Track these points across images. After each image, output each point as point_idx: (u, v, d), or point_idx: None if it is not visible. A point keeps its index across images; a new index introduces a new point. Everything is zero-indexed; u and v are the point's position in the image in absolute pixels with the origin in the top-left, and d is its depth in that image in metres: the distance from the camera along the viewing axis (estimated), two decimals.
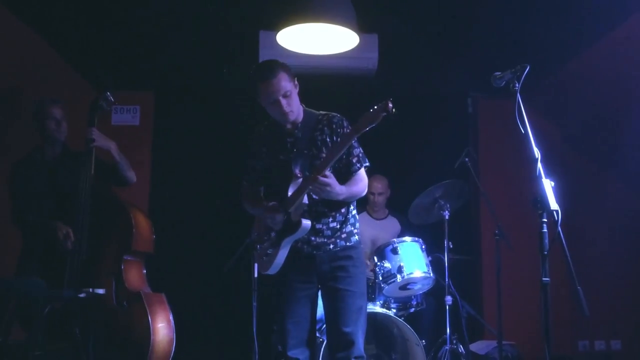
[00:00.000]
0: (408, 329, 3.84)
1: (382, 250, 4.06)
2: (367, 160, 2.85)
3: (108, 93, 3.55)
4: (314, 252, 2.78)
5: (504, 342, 4.12)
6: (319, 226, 2.77)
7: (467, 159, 4.32)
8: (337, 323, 2.73)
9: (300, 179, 2.68)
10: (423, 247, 4.10)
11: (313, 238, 2.77)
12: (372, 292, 4.04)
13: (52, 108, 3.54)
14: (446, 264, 4.09)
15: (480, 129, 5.74)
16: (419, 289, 4.11)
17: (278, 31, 3.48)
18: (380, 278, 3.99)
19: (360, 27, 3.53)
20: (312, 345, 2.83)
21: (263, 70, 2.72)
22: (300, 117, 2.83)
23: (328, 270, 2.78)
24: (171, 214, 5.28)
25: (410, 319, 4.12)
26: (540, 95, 5.14)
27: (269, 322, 4.33)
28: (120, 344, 3.29)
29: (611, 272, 5.31)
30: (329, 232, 2.79)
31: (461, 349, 4.14)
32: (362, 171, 2.83)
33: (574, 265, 2.12)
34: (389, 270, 3.96)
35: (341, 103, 3.23)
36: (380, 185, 4.76)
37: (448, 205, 4.21)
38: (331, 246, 2.79)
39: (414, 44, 4.65)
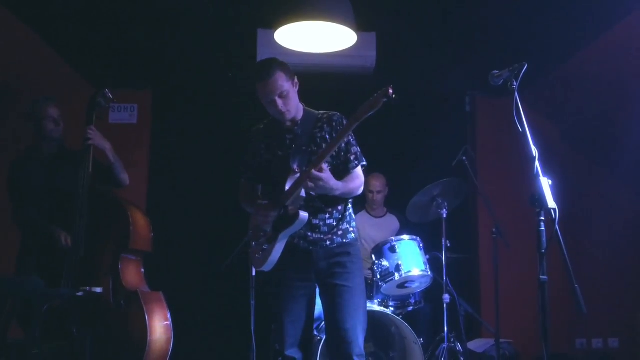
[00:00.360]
0: (406, 327, 3.85)
1: (380, 249, 4.06)
2: (364, 160, 2.86)
3: (106, 90, 3.54)
4: (311, 247, 2.77)
5: (501, 340, 4.14)
6: (315, 222, 2.77)
7: (465, 158, 4.33)
8: (336, 320, 2.72)
9: (298, 174, 2.68)
10: (421, 245, 4.11)
11: (310, 234, 2.77)
12: (370, 291, 4.04)
13: (48, 108, 3.53)
14: (444, 263, 4.09)
15: (478, 127, 5.74)
16: (417, 287, 4.11)
17: (276, 29, 3.47)
18: (379, 276, 3.99)
19: (359, 26, 3.52)
20: (307, 345, 2.82)
21: (260, 70, 2.74)
22: (300, 115, 2.84)
23: (325, 267, 2.77)
24: (169, 212, 5.28)
25: (408, 317, 4.12)
26: (539, 93, 5.14)
27: (267, 321, 4.33)
28: (118, 342, 3.28)
29: (609, 270, 5.32)
30: (325, 229, 2.79)
31: (459, 347, 4.14)
32: (359, 169, 2.84)
33: (571, 263, 2.12)
34: (387, 269, 3.96)
35: (339, 101, 3.23)
36: (379, 183, 4.77)
37: (446, 204, 4.21)
38: (328, 242, 2.78)
39: (412, 42, 4.65)
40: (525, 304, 4.90)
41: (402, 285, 4.04)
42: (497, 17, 4.24)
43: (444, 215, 4.19)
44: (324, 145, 2.76)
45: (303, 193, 2.66)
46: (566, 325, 5.24)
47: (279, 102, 2.72)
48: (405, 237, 4.11)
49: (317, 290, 2.86)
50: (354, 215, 2.95)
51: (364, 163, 2.85)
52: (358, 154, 2.83)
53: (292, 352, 2.77)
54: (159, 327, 3.40)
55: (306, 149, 2.75)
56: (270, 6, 3.47)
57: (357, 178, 2.81)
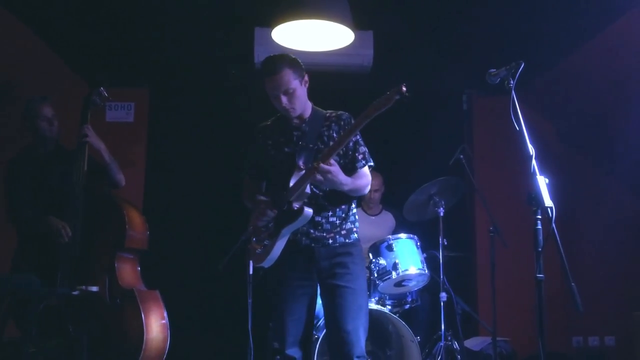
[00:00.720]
0: (403, 326, 3.85)
1: (378, 247, 4.07)
2: (371, 160, 2.85)
3: (102, 88, 3.54)
4: (312, 245, 2.75)
5: (498, 339, 4.14)
6: (318, 219, 2.75)
7: (462, 156, 4.33)
8: (338, 322, 2.70)
9: (303, 171, 2.67)
10: (418, 243, 4.11)
11: (312, 230, 2.75)
12: (367, 289, 4.04)
13: (42, 107, 3.52)
14: (441, 261, 4.09)
15: (475, 126, 5.75)
16: (414, 285, 4.12)
17: (273, 28, 3.47)
18: (376, 275, 3.99)
19: (356, 24, 3.52)
20: (306, 345, 2.81)
21: (268, 64, 2.73)
22: (307, 113, 2.84)
23: (327, 266, 2.75)
24: (166, 210, 5.28)
25: (405, 315, 4.13)
26: (535, 92, 5.15)
27: (265, 319, 4.33)
28: (114, 341, 3.28)
29: (605, 268, 5.33)
30: (328, 226, 2.77)
31: (456, 345, 4.15)
32: (367, 169, 2.83)
33: (568, 261, 2.13)
34: (384, 267, 3.96)
35: (336, 100, 3.23)
36: (376, 182, 4.76)
37: (443, 202, 4.22)
38: (330, 241, 2.77)
39: (409, 41, 4.65)
40: (522, 302, 4.91)
41: (399, 283, 4.04)
42: (494, 16, 4.24)
43: (441, 214, 4.20)
44: (330, 143, 2.74)
45: (308, 189, 2.65)
46: (563, 323, 5.25)
47: (284, 98, 2.71)
48: (403, 235, 4.11)
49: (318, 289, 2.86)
50: (357, 216, 2.94)
51: (371, 163, 2.85)
52: (366, 153, 2.83)
53: (293, 351, 2.76)
54: (156, 325, 3.39)
55: (313, 147, 2.74)
56: (268, 4, 3.47)
57: (364, 177, 2.81)
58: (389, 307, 4.11)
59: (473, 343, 4.70)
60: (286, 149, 2.80)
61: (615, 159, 5.23)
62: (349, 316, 2.69)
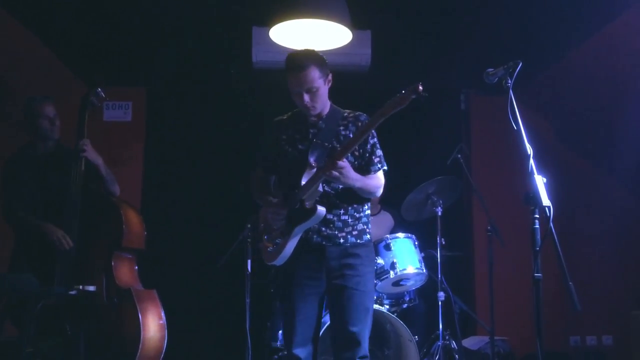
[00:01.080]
0: (401, 325, 3.85)
1: (376, 246, 4.06)
2: (385, 164, 2.85)
3: (99, 89, 3.53)
4: (324, 243, 2.73)
5: (496, 338, 4.14)
6: (330, 217, 2.72)
7: (459, 155, 4.33)
8: (344, 322, 2.70)
9: (315, 169, 2.67)
10: (416, 243, 4.11)
11: (323, 229, 2.73)
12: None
13: (44, 106, 3.50)
14: (439, 260, 4.09)
15: (472, 125, 5.75)
16: (412, 285, 4.12)
17: (271, 27, 3.47)
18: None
19: (354, 24, 3.52)
20: (316, 341, 2.80)
21: (295, 60, 2.70)
22: (326, 111, 2.82)
23: (337, 266, 2.73)
24: (164, 210, 5.28)
25: (403, 314, 4.13)
26: (533, 91, 5.15)
27: (262, 319, 4.34)
28: (111, 340, 3.28)
29: (603, 267, 5.34)
30: (340, 224, 2.75)
31: (454, 344, 4.15)
32: (381, 173, 2.82)
33: (565, 261, 2.13)
34: (382, 267, 3.96)
35: (334, 99, 3.22)
36: None
37: (441, 202, 4.21)
38: (341, 240, 2.74)
39: (407, 40, 4.65)
40: (519, 301, 4.92)
41: (397, 283, 4.04)
42: (492, 15, 4.24)
43: (439, 213, 4.19)
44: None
45: (320, 188, 2.65)
46: (560, 323, 5.26)
47: (306, 96, 2.69)
48: (401, 234, 4.11)
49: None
50: (370, 217, 2.92)
51: (385, 167, 2.84)
52: (381, 157, 2.82)
53: (299, 350, 2.74)
54: (153, 324, 3.39)
55: (327, 145, 2.73)
56: (265, 4, 3.47)
57: (377, 179, 2.80)
58: (387, 307, 4.11)
59: (471, 342, 4.71)
60: (300, 146, 2.78)
61: (613, 159, 5.24)
62: (355, 318, 2.69)
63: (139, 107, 5.56)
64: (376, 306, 3.96)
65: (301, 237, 2.72)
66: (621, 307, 5.16)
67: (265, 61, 4.56)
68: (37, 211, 3.43)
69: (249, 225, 3.85)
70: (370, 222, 2.90)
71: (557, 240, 2.12)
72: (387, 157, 2.88)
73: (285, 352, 2.92)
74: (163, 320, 3.49)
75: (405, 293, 4.20)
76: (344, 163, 2.58)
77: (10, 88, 4.71)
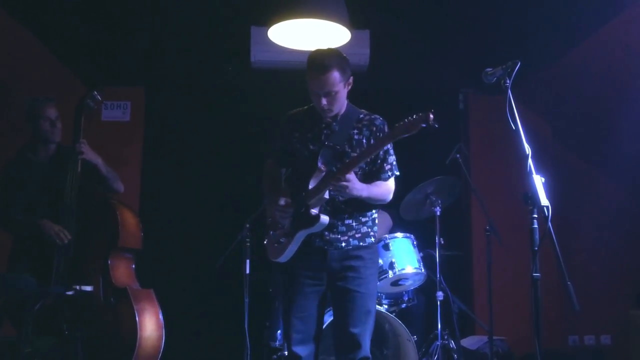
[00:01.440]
0: (400, 325, 3.85)
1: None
2: (397, 170, 2.83)
3: (95, 92, 3.52)
4: (325, 247, 2.72)
5: (494, 337, 4.14)
6: (333, 221, 2.71)
7: (458, 155, 4.33)
8: (345, 324, 2.70)
9: (324, 173, 2.66)
10: (414, 243, 4.11)
11: (326, 233, 2.72)
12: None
13: (46, 108, 3.48)
14: (437, 260, 4.09)
15: (471, 125, 5.75)
16: (410, 284, 4.12)
17: (269, 27, 3.47)
18: None
19: (352, 23, 3.52)
20: (317, 340, 2.78)
21: (318, 61, 2.66)
22: (342, 112, 2.78)
23: (338, 268, 2.72)
24: (162, 210, 5.27)
25: (401, 314, 4.13)
26: (532, 91, 5.15)
27: (261, 318, 4.33)
28: (108, 339, 3.29)
29: (601, 267, 5.35)
30: (343, 228, 2.74)
31: (452, 344, 4.15)
32: (392, 180, 2.81)
33: (564, 260, 2.13)
34: (381, 266, 3.95)
35: None
36: None
37: (439, 201, 4.21)
38: (343, 244, 2.73)
39: (406, 40, 4.65)
40: (518, 301, 4.92)
41: (395, 282, 4.04)
42: (490, 15, 4.24)
43: (438, 213, 4.19)
44: (358, 148, 2.72)
45: (327, 195, 2.64)
46: (559, 322, 5.26)
47: (324, 99, 2.66)
48: (399, 234, 4.11)
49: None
50: (377, 221, 2.89)
51: (397, 173, 2.83)
52: (393, 164, 2.81)
53: (299, 349, 2.72)
54: (150, 324, 3.39)
55: (339, 149, 2.71)
56: (264, 3, 3.47)
57: (386, 186, 2.78)
58: (386, 306, 4.11)
59: (470, 342, 4.71)
60: (312, 147, 2.76)
61: (611, 159, 5.24)
62: (357, 320, 2.69)
63: (138, 107, 5.55)
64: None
65: (303, 240, 2.72)
66: (619, 307, 5.17)
67: (263, 61, 4.55)
68: (38, 213, 3.42)
69: (247, 225, 3.85)
70: (376, 225, 2.88)
71: (555, 240, 2.12)
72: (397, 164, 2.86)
73: (285, 352, 2.92)
74: (160, 320, 3.49)
75: (404, 293, 4.20)
76: (350, 176, 2.56)
77: (9, 88, 4.70)
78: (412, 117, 2.46)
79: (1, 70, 4.56)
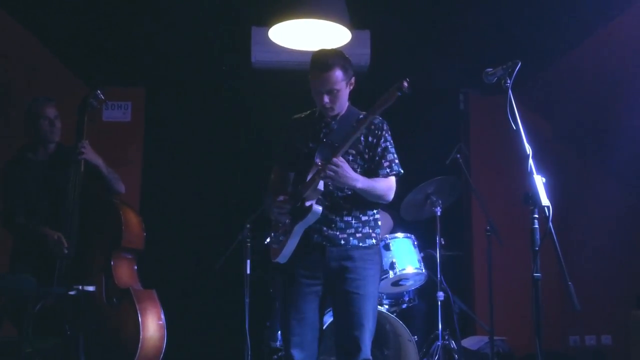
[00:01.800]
0: (400, 325, 3.85)
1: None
2: (400, 169, 2.81)
3: (98, 91, 3.53)
4: (324, 243, 2.71)
5: (495, 338, 4.14)
6: (332, 217, 2.71)
7: (458, 155, 4.33)
8: (346, 326, 2.69)
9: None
10: (415, 243, 4.11)
11: (325, 228, 2.71)
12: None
13: (45, 107, 3.50)
14: (438, 260, 4.09)
15: (471, 125, 5.75)
16: (411, 285, 4.12)
17: (270, 27, 3.47)
18: None
19: (353, 24, 3.52)
20: (316, 343, 2.77)
21: (320, 60, 2.70)
22: (343, 112, 2.81)
23: (336, 269, 2.71)
24: (163, 210, 5.27)
25: (402, 315, 4.13)
26: (532, 91, 5.15)
27: (261, 318, 4.34)
28: (110, 340, 3.28)
29: (602, 267, 5.34)
30: (342, 225, 2.73)
31: (453, 344, 4.15)
32: (392, 178, 2.79)
33: (564, 260, 2.13)
34: (382, 267, 3.96)
35: None
36: None
37: (440, 202, 4.21)
38: (342, 242, 2.72)
39: (406, 40, 4.65)
40: (519, 301, 4.91)
41: (396, 283, 4.04)
42: (491, 16, 4.24)
43: (438, 213, 4.19)
44: (355, 148, 2.74)
45: (321, 186, 2.63)
46: (559, 323, 5.26)
47: (326, 97, 2.70)
48: (400, 234, 4.11)
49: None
50: (379, 222, 2.88)
51: (400, 171, 2.81)
52: (393, 162, 2.79)
53: (296, 351, 2.71)
54: (152, 324, 3.39)
55: (336, 146, 2.70)
56: (265, 4, 3.47)
57: (384, 182, 2.76)
58: (387, 307, 4.10)
59: (470, 342, 4.71)
60: (311, 145, 2.78)
61: (612, 159, 5.23)
62: (358, 322, 2.67)
63: (139, 107, 5.56)
64: None
65: (303, 236, 2.71)
66: (620, 307, 5.16)
67: (264, 61, 4.56)
68: (39, 213, 3.43)
69: (248, 226, 3.85)
70: (378, 227, 2.86)
71: (556, 240, 2.12)
72: (399, 163, 2.85)
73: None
74: (162, 320, 3.49)
75: (405, 293, 4.20)
76: (339, 161, 2.56)
77: (10, 88, 4.71)
78: (388, 89, 2.49)
79: (3, 70, 4.57)
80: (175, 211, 5.34)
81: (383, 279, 3.94)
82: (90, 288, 3.27)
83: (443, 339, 4.05)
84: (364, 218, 2.79)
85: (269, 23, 3.46)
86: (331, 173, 2.56)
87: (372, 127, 2.78)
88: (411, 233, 4.16)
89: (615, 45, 4.32)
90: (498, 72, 2.40)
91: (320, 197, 2.67)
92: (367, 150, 2.77)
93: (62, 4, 4.06)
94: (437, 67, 5.10)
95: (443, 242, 4.17)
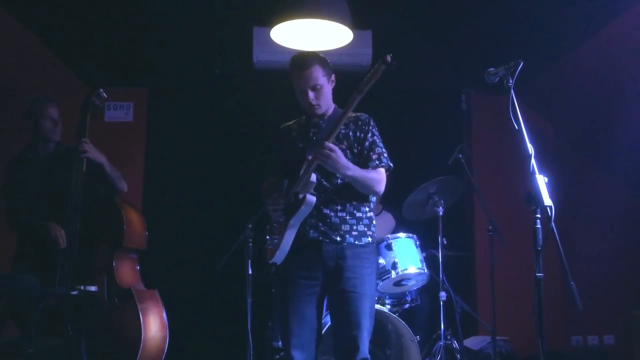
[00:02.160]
0: (402, 325, 3.85)
1: (377, 247, 4.05)
2: (389, 162, 2.82)
3: (101, 90, 3.53)
4: (320, 238, 2.71)
5: (497, 338, 4.14)
6: (326, 211, 2.73)
7: (460, 155, 4.33)
8: (342, 326, 2.69)
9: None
10: (417, 243, 4.10)
11: (320, 224, 2.72)
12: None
13: (47, 107, 3.51)
14: (440, 260, 4.09)
15: (474, 125, 5.75)
16: (413, 285, 4.12)
17: (272, 27, 3.47)
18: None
19: (355, 24, 3.52)
20: (316, 344, 2.77)
21: (298, 60, 2.79)
22: (330, 112, 2.87)
23: (333, 268, 2.71)
24: (165, 210, 5.28)
25: (404, 315, 4.13)
26: (535, 91, 5.15)
27: (264, 318, 4.34)
28: (112, 340, 3.28)
29: (605, 267, 5.33)
30: (336, 220, 2.74)
31: (455, 344, 4.15)
32: (381, 170, 2.80)
33: (567, 260, 2.12)
34: (384, 267, 3.95)
35: (334, 99, 3.23)
36: None
37: (442, 202, 4.21)
38: (338, 238, 2.72)
39: (408, 40, 4.65)
40: (521, 301, 4.92)
41: (398, 283, 4.04)
42: (493, 15, 4.24)
43: (440, 213, 4.19)
44: (345, 141, 2.78)
45: (314, 178, 2.64)
46: (562, 322, 5.26)
47: (311, 94, 2.76)
48: (402, 234, 4.11)
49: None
50: (374, 221, 2.89)
51: (389, 165, 2.82)
52: (382, 155, 2.81)
53: (296, 352, 2.70)
54: (154, 324, 3.39)
55: (328, 131, 2.72)
56: (266, 4, 3.47)
57: (374, 173, 2.78)
58: (389, 307, 4.10)
59: (473, 342, 4.71)
60: (300, 144, 2.82)
61: (614, 158, 5.23)
62: (355, 322, 2.67)
63: (141, 107, 5.56)
64: (377, 306, 3.95)
65: (298, 232, 2.71)
66: (623, 307, 5.16)
67: (266, 61, 4.56)
68: (41, 211, 3.43)
69: (250, 226, 3.85)
70: (373, 226, 2.87)
71: (558, 240, 2.12)
72: (388, 157, 2.87)
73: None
74: (164, 320, 3.49)
75: (407, 293, 4.20)
76: (333, 146, 2.59)
77: (10, 88, 4.71)
78: (373, 66, 2.55)
79: (3, 70, 4.57)
80: (178, 211, 5.35)
81: (385, 279, 3.94)
82: (93, 288, 3.28)
83: (445, 339, 4.05)
84: (358, 214, 2.79)
85: (270, 23, 3.46)
86: (326, 152, 2.57)
87: (360, 122, 2.83)
88: (413, 233, 4.16)
89: (617, 45, 4.32)
90: (500, 72, 2.40)
91: (313, 191, 2.67)
92: (356, 145, 2.81)
93: (64, 4, 4.07)
94: (439, 67, 5.10)
95: (445, 242, 4.17)
